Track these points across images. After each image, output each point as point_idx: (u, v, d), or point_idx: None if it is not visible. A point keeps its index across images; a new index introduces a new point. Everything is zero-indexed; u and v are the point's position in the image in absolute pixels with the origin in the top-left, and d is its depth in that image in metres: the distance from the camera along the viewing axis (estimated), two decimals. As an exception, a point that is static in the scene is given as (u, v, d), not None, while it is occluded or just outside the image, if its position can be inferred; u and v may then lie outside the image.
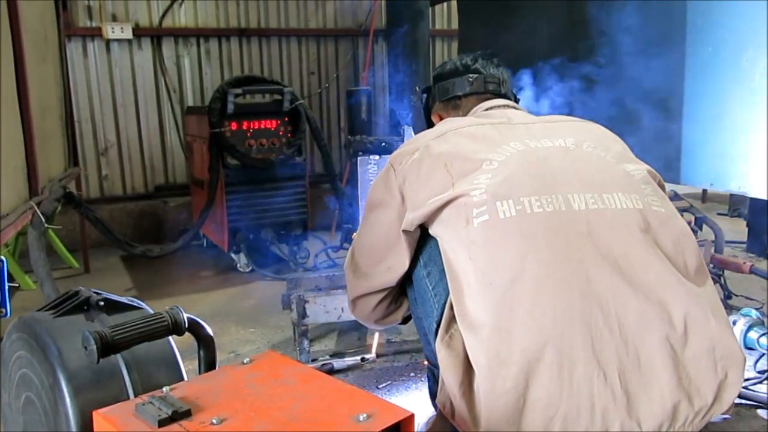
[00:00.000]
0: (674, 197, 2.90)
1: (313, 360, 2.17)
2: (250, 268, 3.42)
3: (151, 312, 1.27)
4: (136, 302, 1.26)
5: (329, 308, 2.13)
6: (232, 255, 3.44)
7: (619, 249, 1.16)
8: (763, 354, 2.14)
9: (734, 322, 2.29)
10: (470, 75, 1.65)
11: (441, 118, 1.71)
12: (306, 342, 2.15)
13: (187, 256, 3.66)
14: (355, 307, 1.58)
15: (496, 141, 1.34)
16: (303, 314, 2.10)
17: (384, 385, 2.05)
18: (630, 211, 1.21)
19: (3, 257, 0.99)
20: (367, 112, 3.30)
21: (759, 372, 2.07)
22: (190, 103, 4.35)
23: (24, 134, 2.09)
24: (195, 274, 3.47)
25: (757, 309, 2.54)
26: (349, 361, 2.16)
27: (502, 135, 1.37)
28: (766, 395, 1.89)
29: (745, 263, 2.67)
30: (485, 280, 1.16)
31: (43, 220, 1.97)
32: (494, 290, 1.14)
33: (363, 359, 2.17)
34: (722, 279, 2.69)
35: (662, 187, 1.34)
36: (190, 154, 3.91)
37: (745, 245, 3.57)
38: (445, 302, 1.26)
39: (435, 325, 1.29)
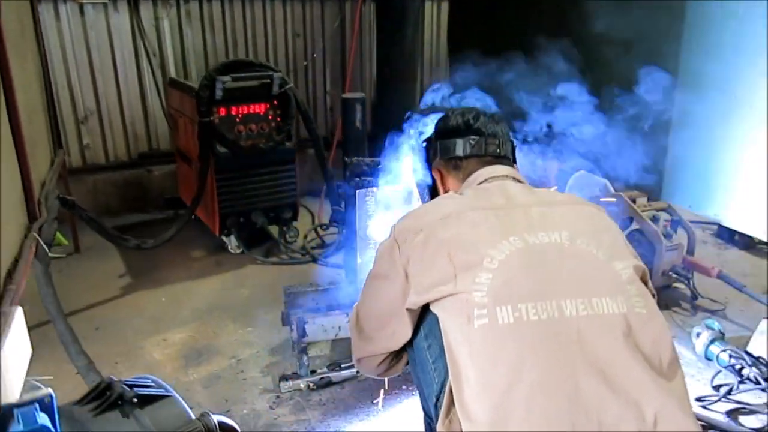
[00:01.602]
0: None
1: (312, 372, 2.32)
2: (241, 250, 3.50)
3: (180, 400, 1.38)
4: (165, 389, 1.36)
5: (327, 327, 2.26)
6: (223, 238, 3.51)
7: (604, 355, 1.29)
8: (720, 370, 2.36)
9: (698, 335, 2.50)
10: (472, 137, 1.70)
11: (441, 174, 1.78)
12: (305, 357, 2.29)
13: (178, 233, 3.70)
14: (360, 364, 1.70)
15: (497, 233, 1.42)
16: (303, 333, 2.23)
17: (378, 400, 2.22)
18: (615, 316, 1.33)
19: (52, 392, 1.07)
20: (361, 120, 3.29)
21: (714, 387, 2.30)
22: (172, 67, 4.21)
23: (19, 161, 2.06)
24: (187, 255, 3.54)
25: (718, 311, 2.77)
26: (346, 373, 2.32)
27: (503, 226, 1.44)
28: (723, 418, 2.12)
29: (713, 268, 2.86)
30: (484, 380, 1.28)
31: (48, 251, 2.01)
32: (492, 392, 1.27)
33: (359, 372, 2.33)
34: (690, 282, 2.89)
35: (645, 283, 1.45)
36: (174, 126, 3.86)
37: (716, 227, 3.75)
38: (445, 380, 1.39)
39: (434, 399, 1.43)
